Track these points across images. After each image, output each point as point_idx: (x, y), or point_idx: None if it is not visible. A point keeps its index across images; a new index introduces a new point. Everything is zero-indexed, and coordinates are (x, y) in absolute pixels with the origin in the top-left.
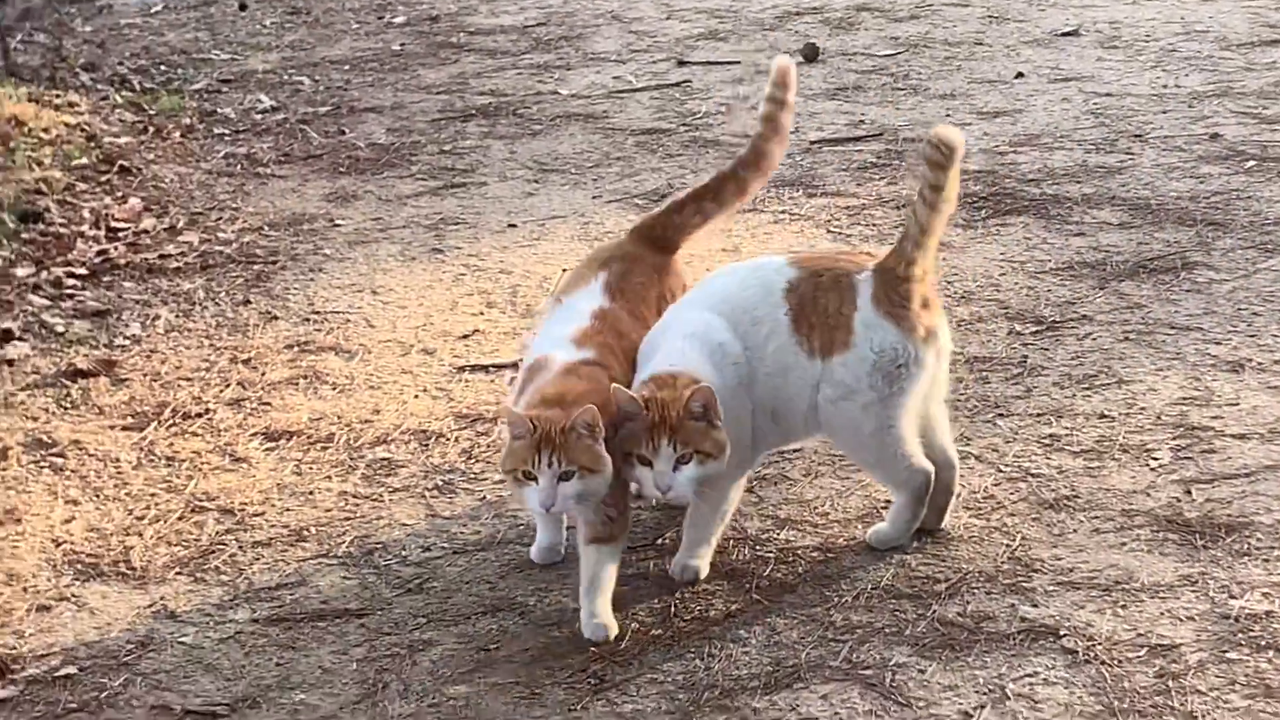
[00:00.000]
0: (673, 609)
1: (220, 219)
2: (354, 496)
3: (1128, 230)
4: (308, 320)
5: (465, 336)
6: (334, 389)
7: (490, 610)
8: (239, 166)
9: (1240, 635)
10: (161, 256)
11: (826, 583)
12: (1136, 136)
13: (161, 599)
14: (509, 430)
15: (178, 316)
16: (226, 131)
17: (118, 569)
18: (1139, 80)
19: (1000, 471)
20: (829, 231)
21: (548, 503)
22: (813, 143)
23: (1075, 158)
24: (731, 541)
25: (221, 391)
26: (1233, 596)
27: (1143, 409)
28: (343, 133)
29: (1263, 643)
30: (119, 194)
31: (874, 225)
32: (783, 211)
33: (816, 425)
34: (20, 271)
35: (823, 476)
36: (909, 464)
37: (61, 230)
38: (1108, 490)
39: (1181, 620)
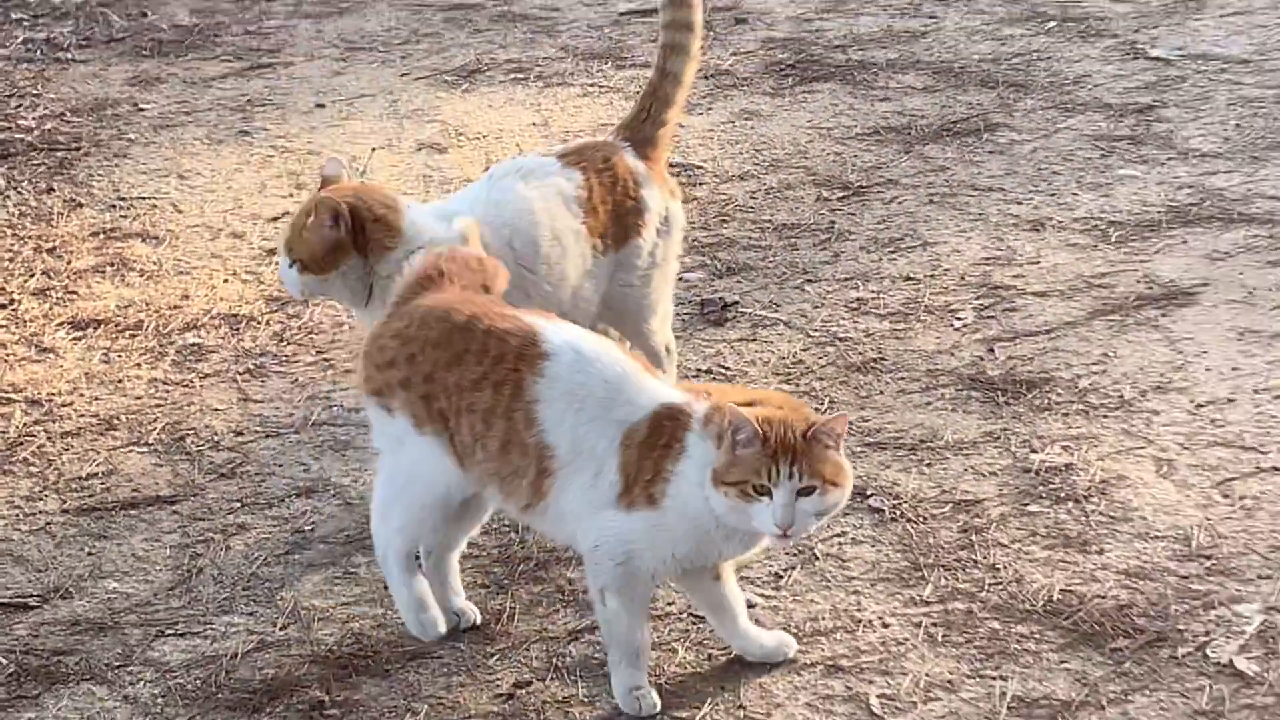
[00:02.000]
0: None
1: (20, 106)
2: (164, 383)
3: (932, 94)
4: (113, 207)
5: (275, 219)
6: (142, 275)
7: (304, 492)
8: (39, 52)
9: (1041, 488)
10: None
11: None
12: (940, 0)
13: None
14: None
15: None
16: (25, 16)
17: None
18: None
19: (809, 336)
20: None
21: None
22: (621, 14)
23: (880, 23)
24: None
25: (26, 281)
26: (1033, 451)
27: (947, 270)
28: (144, 15)
29: (1062, 494)
30: None
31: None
32: (591, 84)
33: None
34: None
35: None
36: (667, 329)
37: None
38: (913, 351)
39: (985, 476)
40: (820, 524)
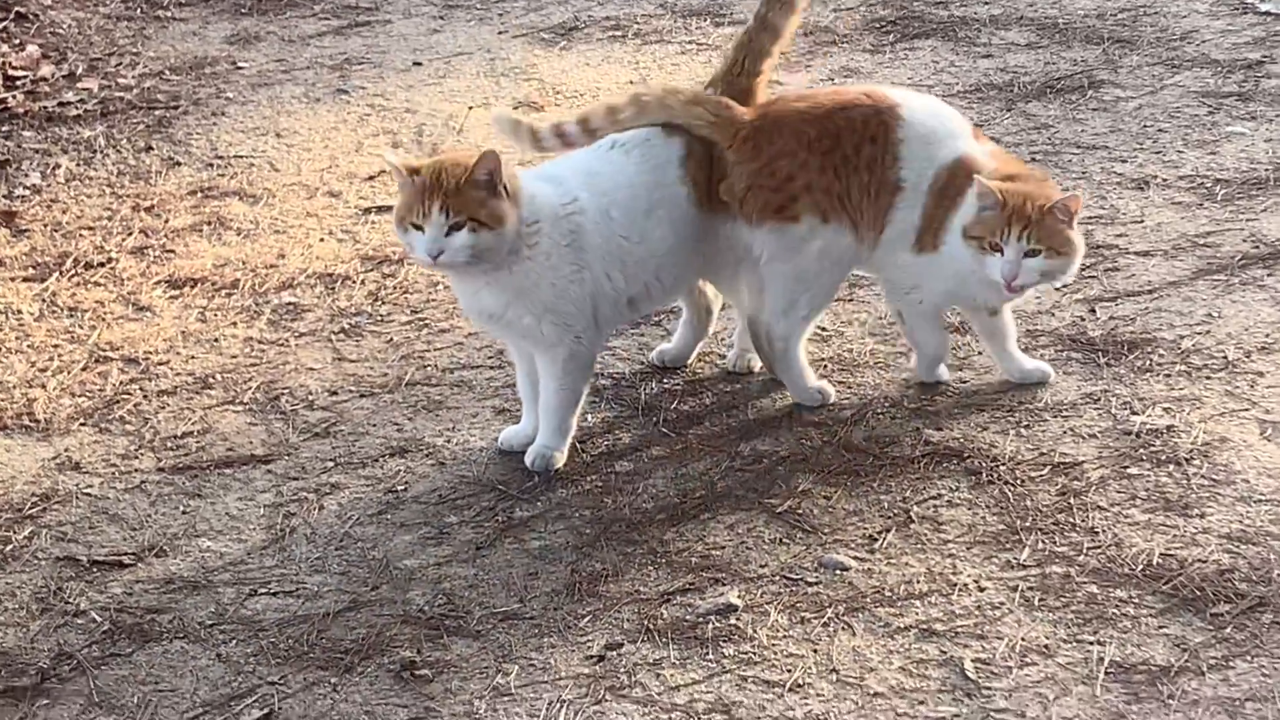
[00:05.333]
0: (579, 445)
1: (120, 64)
2: (259, 342)
3: (1035, 50)
4: (211, 165)
5: (371, 178)
6: (238, 234)
7: (397, 452)
8: (138, 10)
9: (1141, 451)
10: (61, 104)
11: (733, 413)
12: None
13: (66, 450)
14: None
15: (78, 165)
16: None
17: (21, 422)
18: None
19: None
20: None
21: None
22: None
23: None
24: (639, 375)
25: (124, 240)
26: (1134, 413)
27: None
28: None
29: (1163, 457)
30: (15, 41)
31: (781, 54)
32: (689, 41)
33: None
34: None
35: (729, 309)
36: None
37: None
38: (1013, 311)
39: (1084, 438)
40: (1048, 284)
